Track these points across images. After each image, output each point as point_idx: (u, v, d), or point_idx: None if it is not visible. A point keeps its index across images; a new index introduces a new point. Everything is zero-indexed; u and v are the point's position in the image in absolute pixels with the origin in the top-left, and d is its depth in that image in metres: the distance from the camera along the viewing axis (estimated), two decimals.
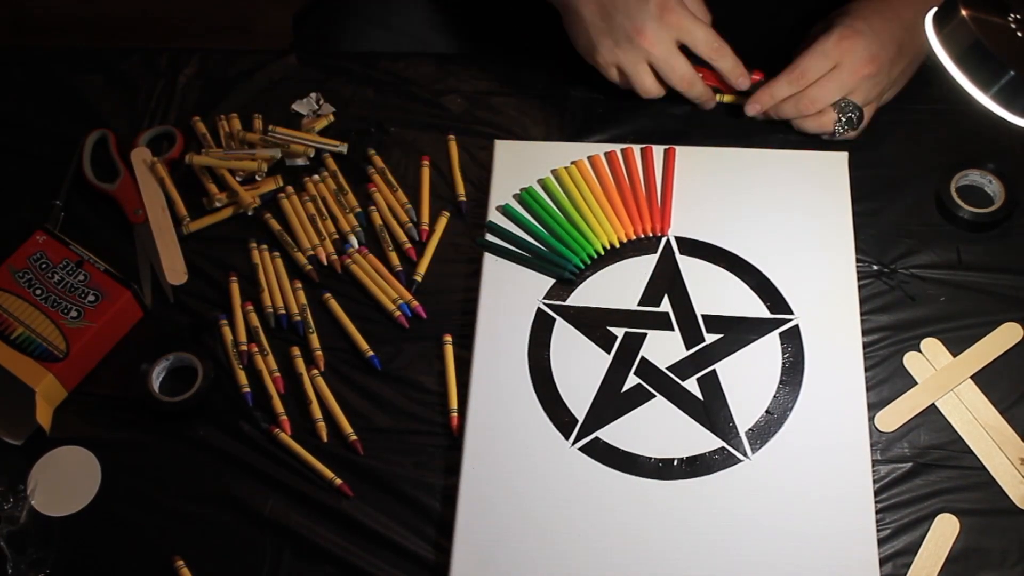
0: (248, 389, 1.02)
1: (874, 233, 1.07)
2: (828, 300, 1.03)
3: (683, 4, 1.05)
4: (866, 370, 0.99)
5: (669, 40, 1.05)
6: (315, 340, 1.04)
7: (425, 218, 1.10)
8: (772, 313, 1.03)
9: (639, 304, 1.04)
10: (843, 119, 1.07)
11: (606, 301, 1.04)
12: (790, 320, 1.02)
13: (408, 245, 1.09)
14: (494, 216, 1.09)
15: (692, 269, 1.05)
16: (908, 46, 1.07)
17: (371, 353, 1.02)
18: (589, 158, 1.11)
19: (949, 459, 0.96)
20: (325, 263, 1.08)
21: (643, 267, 1.06)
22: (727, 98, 1.13)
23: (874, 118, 1.11)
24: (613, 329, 1.03)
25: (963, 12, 0.85)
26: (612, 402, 0.99)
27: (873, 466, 0.95)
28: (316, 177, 1.12)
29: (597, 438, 0.98)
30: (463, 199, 1.11)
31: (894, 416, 0.98)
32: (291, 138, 1.13)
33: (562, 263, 1.05)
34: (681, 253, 1.06)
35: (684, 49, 1.06)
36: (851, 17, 1.06)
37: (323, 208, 1.11)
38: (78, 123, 1.17)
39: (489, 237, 1.08)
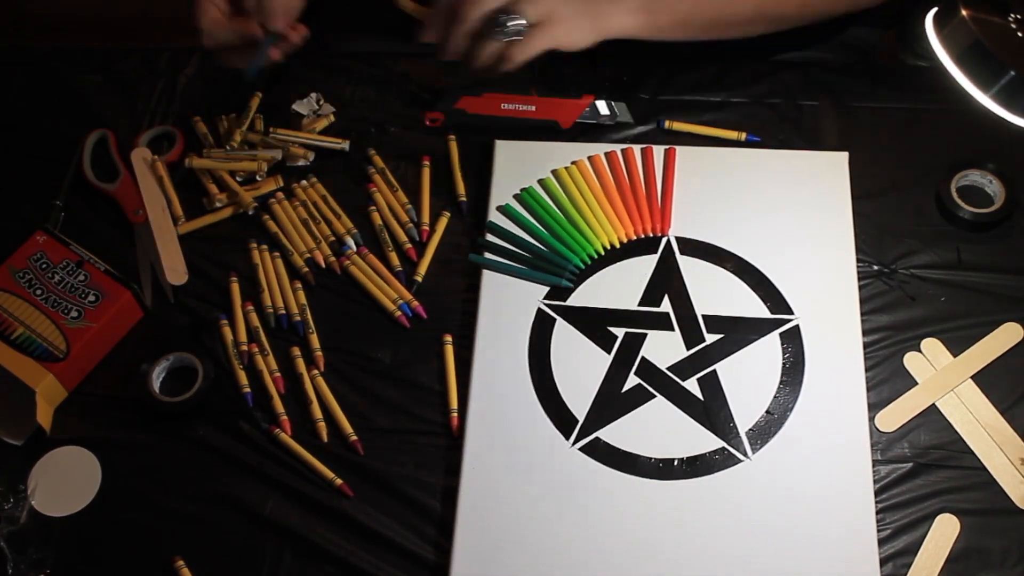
0: (248, 389, 1.02)
1: (874, 233, 1.07)
2: (828, 300, 1.03)
3: None
4: (866, 370, 0.99)
5: None
6: (315, 340, 1.04)
7: (425, 218, 1.10)
8: (772, 313, 1.03)
9: (639, 304, 1.04)
10: (495, 28, 1.02)
11: (606, 301, 1.04)
12: (790, 320, 1.02)
13: (408, 245, 1.09)
14: (494, 216, 1.09)
15: (692, 269, 1.05)
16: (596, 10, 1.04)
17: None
18: (589, 158, 1.11)
19: (949, 459, 0.96)
20: (323, 265, 1.08)
21: (643, 267, 1.06)
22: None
23: (874, 118, 1.11)
24: (613, 329, 1.03)
25: (963, 12, 0.86)
26: (612, 402, 0.99)
27: (873, 466, 0.95)
28: (305, 183, 1.12)
29: (597, 438, 0.98)
30: (463, 199, 1.11)
31: (894, 416, 0.98)
32: (292, 139, 1.13)
33: (562, 263, 1.05)
34: (681, 253, 1.06)
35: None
36: None
37: (315, 212, 1.11)
38: (78, 123, 1.17)
39: (489, 237, 1.08)
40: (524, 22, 1.03)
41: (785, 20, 1.11)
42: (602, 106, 1.13)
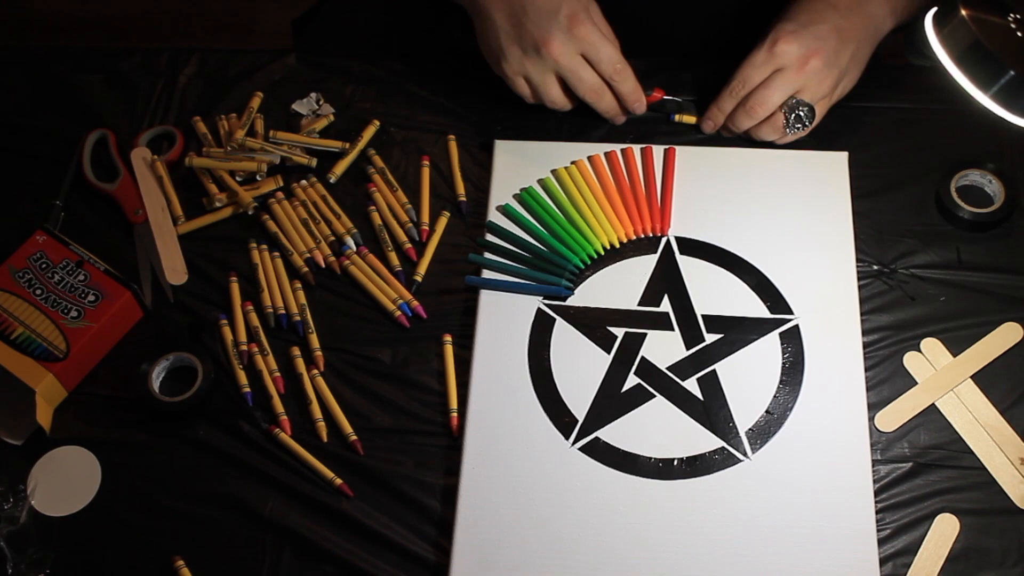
0: (248, 389, 1.02)
1: (874, 233, 1.07)
2: (828, 300, 1.03)
3: (592, 20, 1.05)
4: (866, 370, 0.99)
5: (575, 52, 1.05)
6: (315, 340, 1.04)
7: (425, 218, 1.10)
8: (772, 313, 1.03)
9: (639, 304, 1.04)
10: (792, 117, 1.07)
11: (606, 301, 1.04)
12: (790, 320, 1.02)
13: (408, 245, 1.09)
14: (494, 216, 1.09)
15: (692, 269, 1.05)
16: (849, 32, 1.06)
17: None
18: (589, 158, 1.11)
19: (949, 459, 0.96)
20: (323, 265, 1.08)
21: (643, 267, 1.06)
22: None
23: (874, 118, 1.11)
24: (613, 329, 1.03)
25: (963, 12, 0.86)
26: (612, 402, 0.99)
27: (873, 466, 0.95)
28: (304, 182, 1.12)
29: (597, 438, 0.98)
30: (463, 199, 1.11)
31: (894, 416, 0.98)
32: (292, 143, 1.13)
33: (562, 263, 1.05)
34: (681, 253, 1.06)
35: None
36: (783, 20, 1.07)
37: (315, 212, 1.11)
38: (78, 123, 1.17)
39: (489, 237, 1.08)
40: (809, 108, 1.07)
41: None
42: (671, 103, 1.14)
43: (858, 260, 1.05)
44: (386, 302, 1.05)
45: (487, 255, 1.07)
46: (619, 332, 1.02)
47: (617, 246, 1.07)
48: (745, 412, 0.98)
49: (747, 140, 1.12)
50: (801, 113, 1.07)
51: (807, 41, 1.04)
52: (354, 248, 1.09)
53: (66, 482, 0.99)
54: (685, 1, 1.19)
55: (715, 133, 1.12)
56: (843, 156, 1.10)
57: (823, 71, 1.05)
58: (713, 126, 1.11)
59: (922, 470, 0.96)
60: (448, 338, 1.03)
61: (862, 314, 1.02)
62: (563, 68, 1.05)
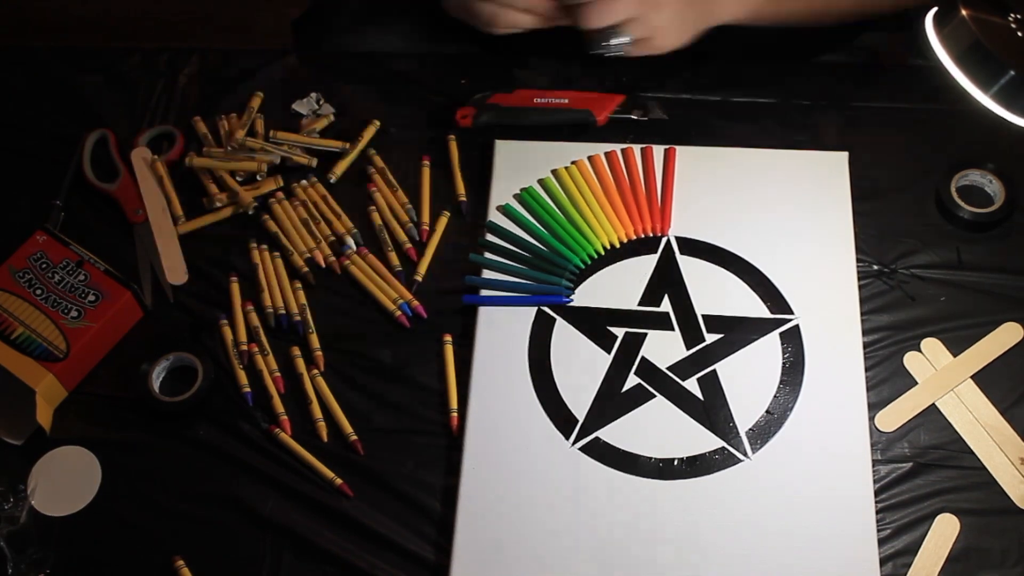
0: (248, 389, 1.02)
1: (874, 233, 1.07)
2: (828, 300, 1.03)
3: None
4: (866, 370, 0.99)
5: None
6: (315, 340, 1.04)
7: (425, 218, 1.10)
8: (772, 313, 1.03)
9: (639, 304, 1.04)
10: (611, 37, 1.03)
11: (606, 301, 1.04)
12: (790, 320, 1.02)
13: (408, 245, 1.09)
14: (494, 216, 1.09)
15: (692, 269, 1.05)
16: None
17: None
18: (589, 158, 1.11)
19: (949, 459, 0.97)
20: (323, 265, 1.08)
21: (643, 267, 1.06)
22: None
23: (874, 118, 1.11)
24: (613, 329, 1.03)
25: (963, 12, 0.86)
26: (612, 402, 0.99)
27: (873, 466, 0.95)
28: (305, 182, 1.12)
29: (597, 438, 0.98)
30: (463, 199, 1.11)
31: (894, 416, 0.98)
32: (292, 143, 1.13)
33: (562, 263, 1.05)
34: (681, 253, 1.06)
35: None
36: None
37: (315, 212, 1.11)
38: (78, 123, 1.17)
39: (489, 237, 1.08)
40: (627, 40, 1.04)
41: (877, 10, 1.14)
42: (637, 103, 1.13)
43: (858, 260, 1.05)
44: (386, 302, 1.05)
45: (487, 255, 1.07)
46: (619, 332, 1.02)
47: (617, 246, 1.07)
48: (745, 412, 0.98)
49: (748, 137, 1.12)
50: (612, 44, 1.03)
51: None
52: (354, 248, 1.09)
53: (66, 482, 0.99)
54: None
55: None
56: (843, 156, 1.10)
57: (667, 15, 1.03)
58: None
59: (922, 470, 0.96)
60: (448, 338, 1.03)
61: (862, 314, 1.02)
62: None
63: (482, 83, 1.15)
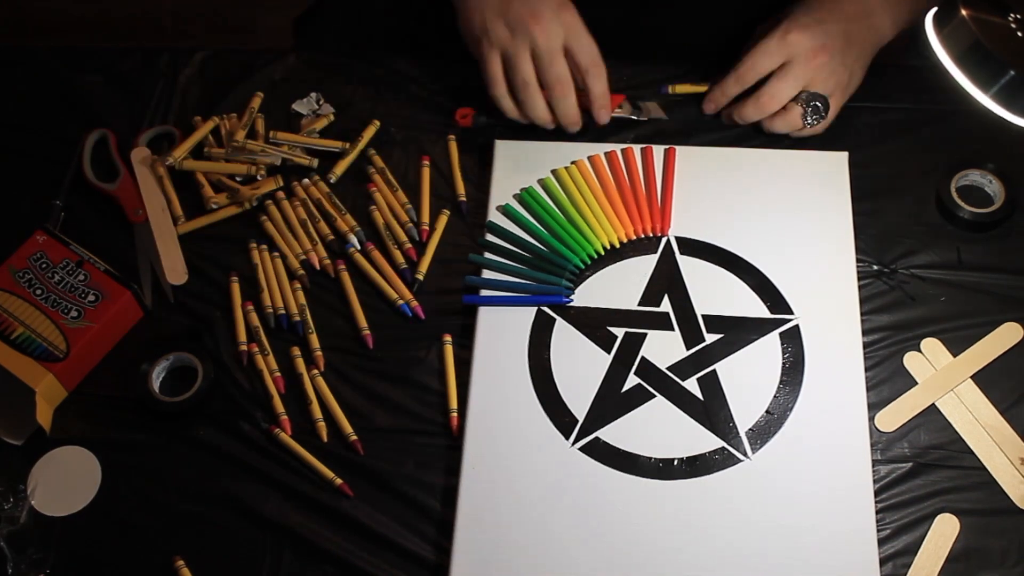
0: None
1: (874, 233, 1.07)
2: (828, 300, 1.03)
3: (577, 12, 1.06)
4: (866, 370, 0.99)
5: (559, 36, 1.06)
6: (315, 340, 1.04)
7: (425, 218, 1.10)
8: (772, 313, 1.03)
9: (639, 304, 1.04)
10: (809, 110, 1.08)
11: (606, 301, 1.04)
12: (790, 320, 1.02)
13: (408, 245, 1.09)
14: (494, 216, 1.09)
15: (692, 269, 1.05)
16: (856, 35, 1.08)
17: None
18: (589, 158, 1.11)
19: (949, 459, 0.96)
20: (318, 267, 1.08)
21: (643, 267, 1.06)
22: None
23: (874, 118, 1.11)
24: (613, 329, 1.03)
25: (963, 12, 0.86)
26: (612, 402, 0.99)
27: (873, 466, 0.95)
28: (307, 181, 1.12)
29: (597, 438, 0.98)
30: (463, 199, 1.11)
31: (894, 416, 0.98)
32: (292, 143, 1.13)
33: (562, 263, 1.05)
34: (681, 253, 1.06)
35: None
36: (796, 12, 1.07)
37: (315, 211, 1.11)
38: (78, 123, 1.17)
39: (489, 237, 1.08)
40: (825, 99, 1.08)
41: None
42: (636, 103, 1.13)
43: (858, 260, 1.05)
44: (389, 291, 1.05)
45: (487, 255, 1.07)
46: (619, 332, 1.02)
47: (617, 246, 1.07)
48: (745, 412, 0.98)
49: (748, 137, 1.12)
50: (819, 104, 1.07)
51: (818, 35, 1.05)
52: (358, 246, 1.09)
53: (66, 482, 0.99)
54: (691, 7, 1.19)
55: (726, 122, 1.12)
56: (843, 156, 1.10)
57: (831, 66, 1.06)
58: (714, 107, 1.12)
59: (922, 470, 0.96)
60: (448, 338, 1.03)
61: (862, 314, 1.02)
62: (541, 48, 1.05)
63: (482, 83, 1.15)
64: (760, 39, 1.07)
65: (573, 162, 1.11)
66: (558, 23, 1.05)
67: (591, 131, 1.13)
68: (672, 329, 1.03)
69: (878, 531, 0.93)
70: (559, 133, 1.13)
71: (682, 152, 1.11)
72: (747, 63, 1.07)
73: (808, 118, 1.08)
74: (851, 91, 1.10)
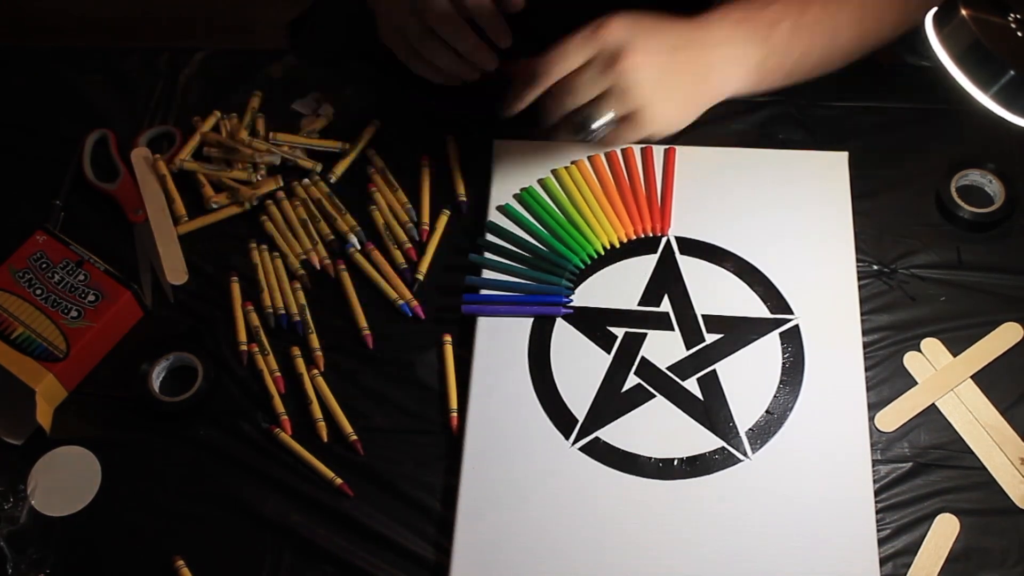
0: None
1: (874, 233, 1.07)
2: (828, 300, 1.03)
3: None
4: (866, 370, 0.99)
5: None
6: (314, 340, 1.04)
7: (425, 218, 1.10)
8: (772, 313, 1.03)
9: (639, 304, 1.04)
10: (585, 120, 1.02)
11: (606, 301, 1.04)
12: (790, 320, 1.02)
13: (408, 245, 1.09)
14: (494, 216, 1.09)
15: (692, 269, 1.05)
16: (687, 65, 1.00)
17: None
18: (589, 158, 1.11)
19: (949, 459, 0.97)
20: (318, 267, 1.08)
21: (643, 267, 1.06)
22: None
23: (874, 118, 1.12)
24: (613, 329, 1.03)
25: (963, 12, 0.86)
26: (612, 402, 0.99)
27: (873, 466, 0.95)
28: (307, 181, 1.12)
29: (597, 438, 0.98)
30: (463, 199, 1.11)
31: (894, 416, 0.98)
32: (292, 144, 1.13)
33: (562, 263, 1.05)
34: (681, 253, 1.06)
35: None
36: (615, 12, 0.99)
37: (315, 211, 1.11)
38: (78, 123, 1.17)
39: (489, 237, 1.08)
40: (611, 118, 1.00)
41: (879, 42, 1.06)
42: None
43: (858, 260, 1.05)
44: (389, 291, 1.05)
45: (487, 255, 1.07)
46: (619, 332, 1.02)
47: (617, 246, 1.07)
48: (745, 412, 0.98)
49: (748, 137, 1.12)
50: (594, 128, 1.00)
51: (639, 41, 0.96)
52: (358, 246, 1.09)
53: (66, 482, 0.99)
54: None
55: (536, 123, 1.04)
56: (843, 156, 1.10)
57: (626, 66, 0.96)
58: (514, 109, 1.01)
59: (922, 470, 0.96)
60: (448, 338, 1.03)
61: (862, 314, 1.02)
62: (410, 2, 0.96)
63: (481, 83, 1.15)
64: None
65: (573, 162, 1.11)
66: None
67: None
68: (672, 329, 1.03)
69: (878, 531, 0.93)
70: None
71: (682, 152, 1.11)
72: (553, 54, 0.98)
73: (583, 130, 1.01)
74: (659, 125, 1.02)
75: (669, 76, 1.00)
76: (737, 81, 1.05)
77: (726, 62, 1.02)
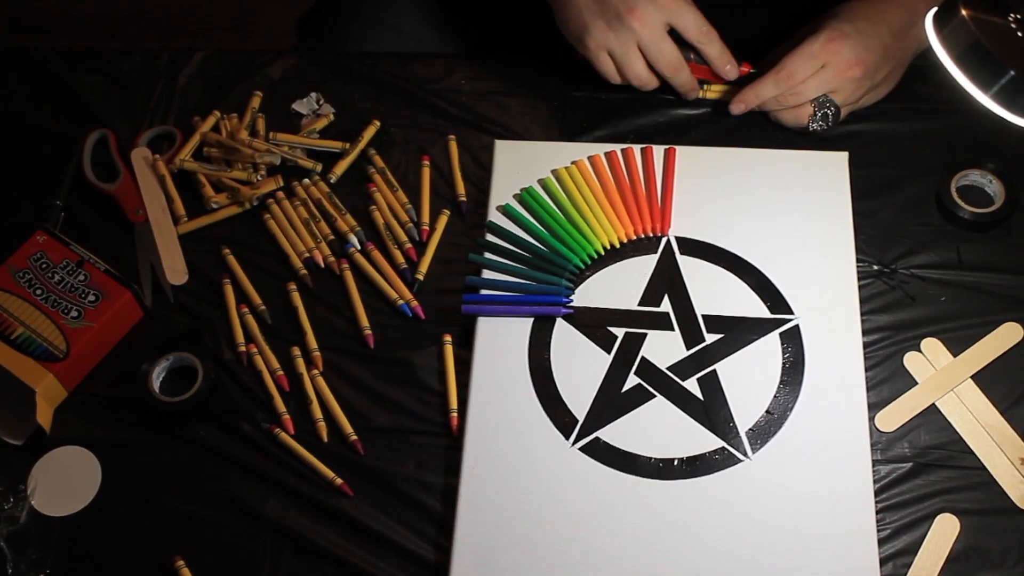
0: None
1: (874, 233, 1.07)
2: (828, 300, 1.03)
3: None
4: (866, 370, 0.99)
5: (660, 22, 1.06)
6: (313, 340, 1.04)
7: (425, 218, 1.10)
8: (772, 313, 1.03)
9: (639, 304, 1.04)
10: (819, 114, 1.08)
11: (606, 301, 1.04)
12: (790, 320, 1.02)
13: (409, 245, 1.09)
14: (494, 216, 1.09)
15: (692, 269, 1.05)
16: (893, 51, 1.08)
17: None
18: (589, 158, 1.11)
19: (949, 459, 0.97)
20: (323, 266, 1.08)
21: (643, 267, 1.06)
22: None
23: (874, 118, 1.11)
24: (613, 329, 1.03)
25: (963, 12, 0.85)
26: (612, 402, 0.99)
27: (873, 466, 0.95)
28: (307, 181, 1.12)
29: (597, 438, 0.98)
30: (463, 199, 1.11)
31: (894, 416, 0.98)
32: (292, 144, 1.13)
33: (562, 263, 1.05)
34: (681, 253, 1.06)
35: (674, 37, 1.07)
36: (839, 19, 1.07)
37: (316, 211, 1.11)
38: (78, 123, 1.17)
39: (489, 237, 1.08)
40: (836, 110, 1.08)
41: None
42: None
43: (858, 260, 1.05)
44: (389, 291, 1.05)
45: (487, 255, 1.07)
46: (619, 332, 1.02)
47: (617, 246, 1.07)
48: (745, 412, 0.98)
49: (748, 137, 1.12)
50: (829, 112, 1.08)
51: (858, 48, 1.06)
52: (358, 247, 1.09)
53: (66, 482, 0.99)
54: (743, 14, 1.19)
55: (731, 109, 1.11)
56: (843, 156, 1.10)
57: (861, 81, 1.07)
58: (743, 108, 1.10)
59: (922, 470, 0.96)
60: (448, 338, 1.03)
61: (862, 314, 1.02)
62: (645, 41, 1.06)
63: (483, 82, 1.15)
64: (801, 44, 1.06)
65: (573, 162, 1.11)
66: (655, 10, 1.05)
67: (592, 132, 1.13)
68: (672, 329, 1.03)
69: (878, 531, 0.93)
70: (559, 133, 1.13)
71: (682, 152, 1.11)
72: (787, 68, 1.06)
73: (815, 122, 1.09)
74: (869, 103, 1.11)
75: (882, 67, 1.09)
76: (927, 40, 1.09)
77: (923, 30, 1.07)
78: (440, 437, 0.99)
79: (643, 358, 1.01)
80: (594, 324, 1.03)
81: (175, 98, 1.19)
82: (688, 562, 0.92)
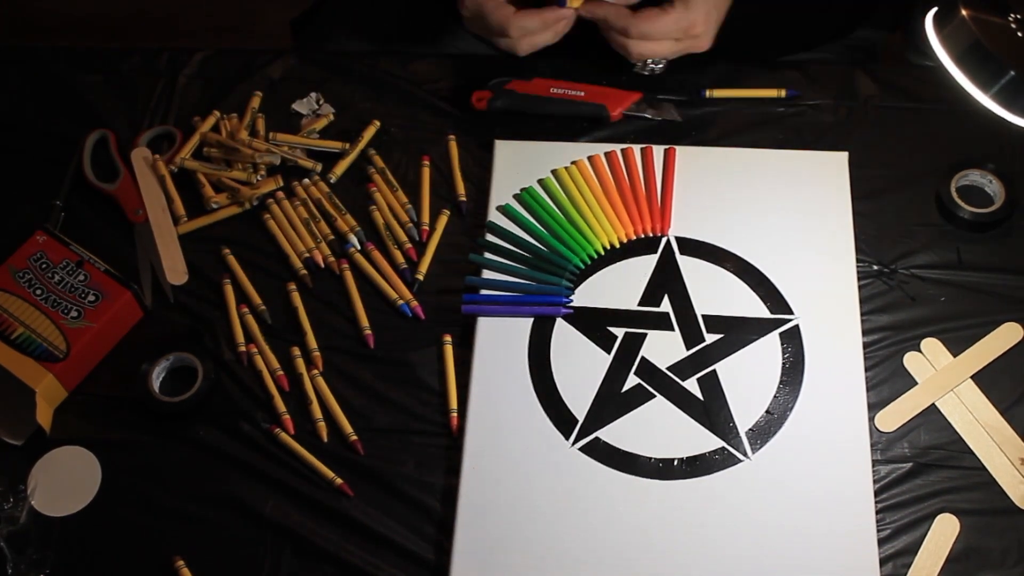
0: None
1: (874, 233, 1.07)
2: (828, 300, 1.03)
3: None
4: (866, 370, 0.99)
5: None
6: (313, 340, 1.04)
7: (425, 218, 1.10)
8: (772, 313, 1.03)
9: (639, 304, 1.04)
10: (648, 66, 1.12)
11: (606, 301, 1.04)
12: (790, 320, 1.02)
13: (409, 245, 1.09)
14: (494, 216, 1.09)
15: (692, 269, 1.05)
16: (723, 13, 1.08)
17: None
18: (589, 158, 1.11)
19: (949, 459, 0.97)
20: (322, 265, 1.08)
21: (643, 267, 1.06)
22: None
23: (874, 118, 1.12)
24: (613, 329, 1.03)
25: (963, 12, 0.86)
26: (612, 402, 0.99)
27: (873, 466, 0.95)
28: (307, 181, 1.12)
29: (597, 438, 0.98)
30: (463, 199, 1.11)
31: (894, 416, 0.98)
32: (292, 144, 1.13)
33: (562, 263, 1.05)
34: (681, 253, 1.06)
35: None
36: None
37: (315, 211, 1.11)
38: (78, 123, 1.17)
39: (489, 237, 1.08)
40: (664, 65, 1.12)
41: None
42: (652, 102, 1.14)
43: (858, 260, 1.05)
44: (389, 291, 1.05)
45: (487, 255, 1.07)
46: (619, 332, 1.02)
47: (617, 246, 1.07)
48: (745, 412, 0.98)
49: (748, 137, 1.12)
50: (656, 68, 1.13)
51: (709, 27, 1.06)
52: (358, 247, 1.09)
53: (66, 482, 0.99)
54: None
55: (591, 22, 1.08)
56: (843, 156, 1.10)
57: (699, 40, 1.07)
58: (587, 14, 1.06)
59: (922, 470, 0.96)
60: (448, 338, 1.03)
61: (862, 314, 1.02)
62: (502, 26, 1.04)
63: (481, 81, 1.15)
64: (671, 9, 1.05)
65: (573, 162, 1.11)
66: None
67: (602, 126, 1.13)
68: (672, 329, 1.03)
69: (878, 531, 0.93)
70: (570, 127, 1.13)
71: (682, 152, 1.11)
72: (644, 29, 1.05)
73: (643, 69, 1.12)
74: (699, 49, 1.09)
75: (711, 17, 1.08)
76: None
77: None
78: (440, 437, 0.99)
79: (643, 358, 1.01)
80: (594, 324, 1.03)
81: (175, 98, 1.19)
82: (688, 562, 0.92)
